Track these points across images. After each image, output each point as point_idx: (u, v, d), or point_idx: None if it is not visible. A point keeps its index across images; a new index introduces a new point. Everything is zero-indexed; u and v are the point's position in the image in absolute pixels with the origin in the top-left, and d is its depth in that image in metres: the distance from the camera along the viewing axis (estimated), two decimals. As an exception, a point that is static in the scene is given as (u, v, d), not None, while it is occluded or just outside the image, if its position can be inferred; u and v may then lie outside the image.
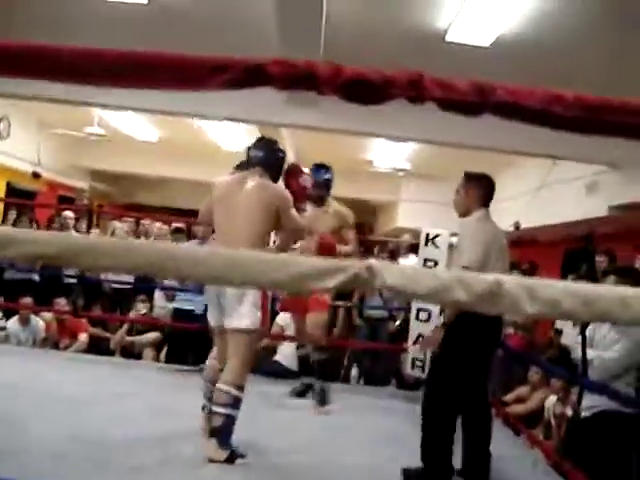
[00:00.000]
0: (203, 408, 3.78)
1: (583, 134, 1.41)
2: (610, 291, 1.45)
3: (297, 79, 1.16)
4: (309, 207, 4.77)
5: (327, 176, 5.13)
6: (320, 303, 4.93)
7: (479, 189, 3.78)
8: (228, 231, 3.61)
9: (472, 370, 3.62)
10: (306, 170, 4.76)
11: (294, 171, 4.42)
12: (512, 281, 1.22)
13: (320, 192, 5.02)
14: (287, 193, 3.81)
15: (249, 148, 3.86)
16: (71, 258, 1.22)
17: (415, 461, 3.57)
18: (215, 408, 3.47)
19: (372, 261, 1.17)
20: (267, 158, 3.77)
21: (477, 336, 3.52)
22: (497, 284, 1.19)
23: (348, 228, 5.07)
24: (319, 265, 1.18)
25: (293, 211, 3.81)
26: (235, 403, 3.46)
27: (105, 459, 3.35)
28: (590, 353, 4.03)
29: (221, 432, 3.44)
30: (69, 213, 8.37)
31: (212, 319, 3.67)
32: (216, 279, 1.40)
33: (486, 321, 3.38)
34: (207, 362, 3.83)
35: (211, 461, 3.41)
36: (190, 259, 1.19)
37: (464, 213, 3.80)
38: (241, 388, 3.49)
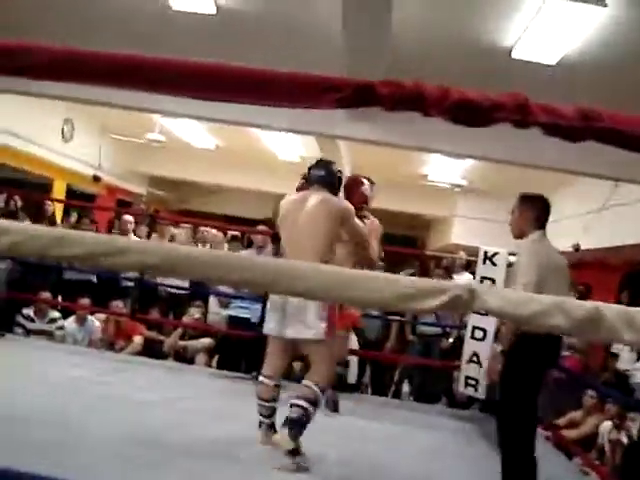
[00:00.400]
0: (260, 425, 3.82)
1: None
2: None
3: (405, 100, 1.18)
4: None
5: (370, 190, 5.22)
6: (346, 320, 4.99)
7: (533, 211, 3.68)
8: (295, 247, 3.68)
9: (533, 392, 3.55)
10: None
11: (356, 181, 4.62)
12: (611, 309, 1.20)
13: None
14: (349, 204, 3.87)
15: (309, 169, 3.99)
16: (202, 272, 1.25)
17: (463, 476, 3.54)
18: (296, 400, 3.53)
19: (474, 284, 1.18)
20: (325, 176, 3.90)
21: (537, 361, 3.45)
22: (596, 311, 1.18)
23: (376, 239, 5.13)
24: (422, 285, 1.18)
25: (356, 220, 3.89)
26: (316, 401, 3.55)
27: (164, 461, 3.39)
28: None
29: (296, 423, 3.49)
30: (129, 217, 8.44)
31: (273, 328, 3.71)
32: (319, 295, 1.40)
33: (545, 345, 3.33)
34: (260, 379, 3.85)
35: (280, 447, 3.51)
36: (296, 275, 1.20)
37: (519, 235, 3.71)
38: (323, 391, 3.61)
